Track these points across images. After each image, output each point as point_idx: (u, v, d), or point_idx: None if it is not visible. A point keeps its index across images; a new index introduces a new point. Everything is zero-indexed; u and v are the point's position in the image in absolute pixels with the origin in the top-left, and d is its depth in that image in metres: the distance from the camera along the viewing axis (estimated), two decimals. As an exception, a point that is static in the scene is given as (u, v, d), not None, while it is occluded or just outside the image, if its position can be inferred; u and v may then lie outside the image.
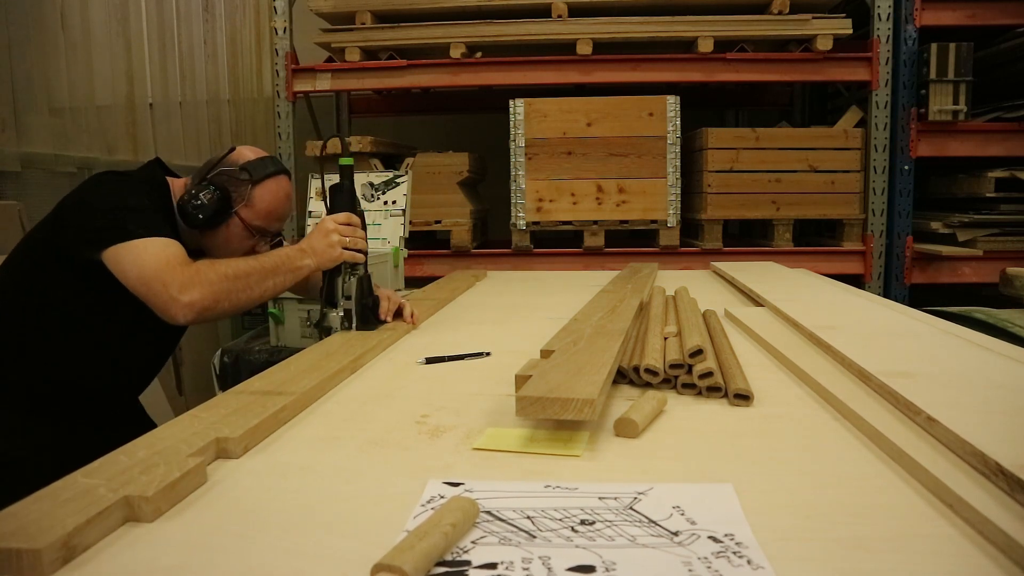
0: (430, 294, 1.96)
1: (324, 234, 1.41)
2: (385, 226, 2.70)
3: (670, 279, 2.24)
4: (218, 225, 1.42)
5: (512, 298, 2.01)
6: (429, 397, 1.03)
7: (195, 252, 1.38)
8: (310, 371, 1.09)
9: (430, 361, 1.19)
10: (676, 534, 0.60)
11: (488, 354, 1.15)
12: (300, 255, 1.39)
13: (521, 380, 0.96)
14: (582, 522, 0.62)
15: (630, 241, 3.29)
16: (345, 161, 1.46)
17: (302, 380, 1.04)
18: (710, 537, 0.59)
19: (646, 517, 0.63)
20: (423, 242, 3.12)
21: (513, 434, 0.86)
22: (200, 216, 1.38)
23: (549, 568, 0.55)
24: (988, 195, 2.95)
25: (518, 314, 1.73)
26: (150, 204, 1.36)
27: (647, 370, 1.03)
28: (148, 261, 1.25)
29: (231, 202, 1.42)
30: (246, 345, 2.35)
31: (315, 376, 1.06)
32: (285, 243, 1.54)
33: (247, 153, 1.48)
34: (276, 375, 1.08)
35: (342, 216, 1.43)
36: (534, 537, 0.60)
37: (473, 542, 0.59)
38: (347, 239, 1.41)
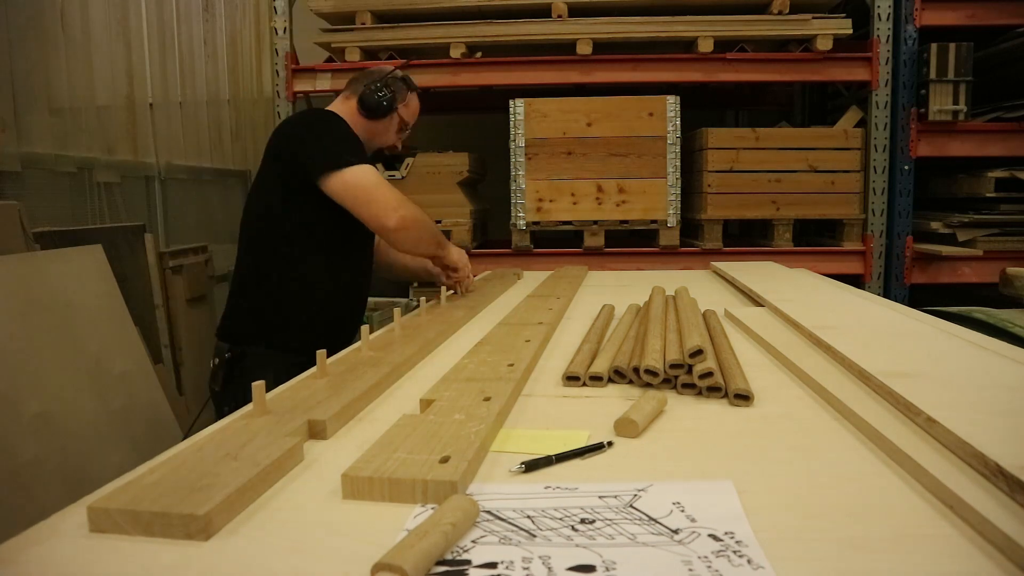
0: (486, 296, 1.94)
1: (463, 256, 1.91)
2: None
3: (670, 279, 2.24)
4: (385, 116, 1.83)
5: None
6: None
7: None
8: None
9: (531, 467, 0.76)
10: (676, 532, 0.60)
11: (610, 444, 0.81)
12: (449, 250, 1.86)
13: (424, 403, 0.94)
14: (582, 521, 0.62)
15: (630, 241, 3.29)
16: None
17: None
18: (710, 535, 0.59)
19: (646, 515, 0.63)
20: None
21: (520, 435, 0.86)
22: (381, 108, 1.80)
23: (549, 567, 0.55)
24: (988, 195, 2.95)
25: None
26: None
27: (647, 371, 1.03)
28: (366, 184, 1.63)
29: (396, 101, 1.83)
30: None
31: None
32: None
33: (388, 65, 1.96)
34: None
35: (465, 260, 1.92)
36: (534, 536, 0.60)
37: (473, 541, 0.59)
38: (465, 276, 1.93)
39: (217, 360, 1.70)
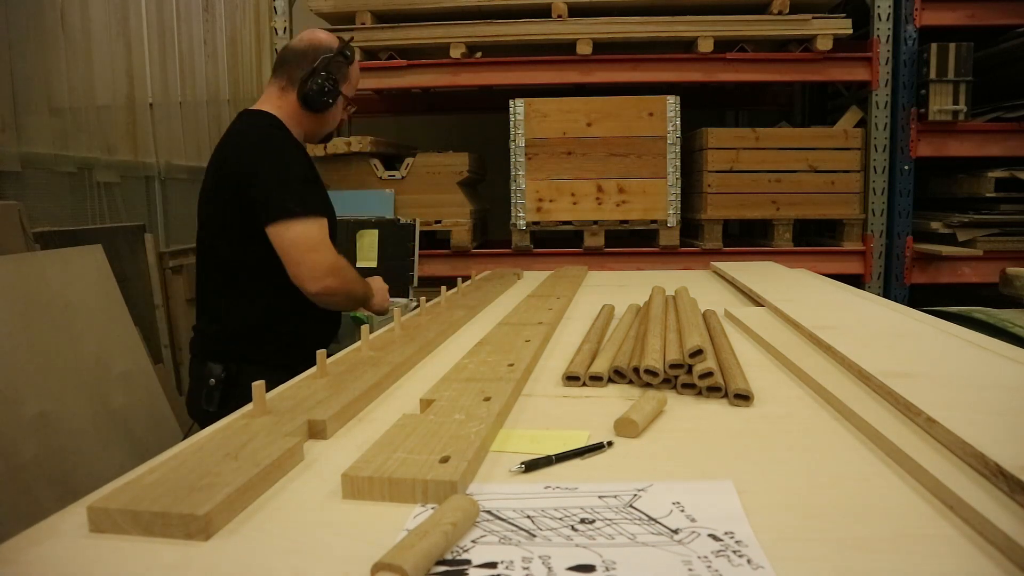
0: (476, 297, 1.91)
1: (383, 291, 1.86)
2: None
3: (670, 279, 2.24)
4: (331, 107, 1.72)
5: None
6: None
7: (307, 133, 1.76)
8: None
9: (530, 467, 0.76)
10: (676, 532, 0.60)
11: (610, 444, 0.82)
12: (373, 302, 1.80)
13: (425, 403, 0.94)
14: (582, 521, 0.62)
15: (630, 241, 3.29)
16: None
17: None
18: (710, 535, 0.59)
19: (646, 514, 0.63)
20: (423, 242, 3.13)
21: (520, 435, 0.86)
22: (326, 101, 1.68)
23: (549, 567, 0.55)
24: (988, 195, 2.95)
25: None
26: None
27: (647, 371, 1.03)
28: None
29: (339, 84, 1.71)
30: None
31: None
32: None
33: (322, 36, 1.73)
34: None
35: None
36: (534, 536, 0.60)
37: (473, 541, 0.59)
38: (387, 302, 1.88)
39: (213, 382, 1.63)
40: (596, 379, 1.08)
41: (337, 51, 1.70)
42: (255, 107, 1.74)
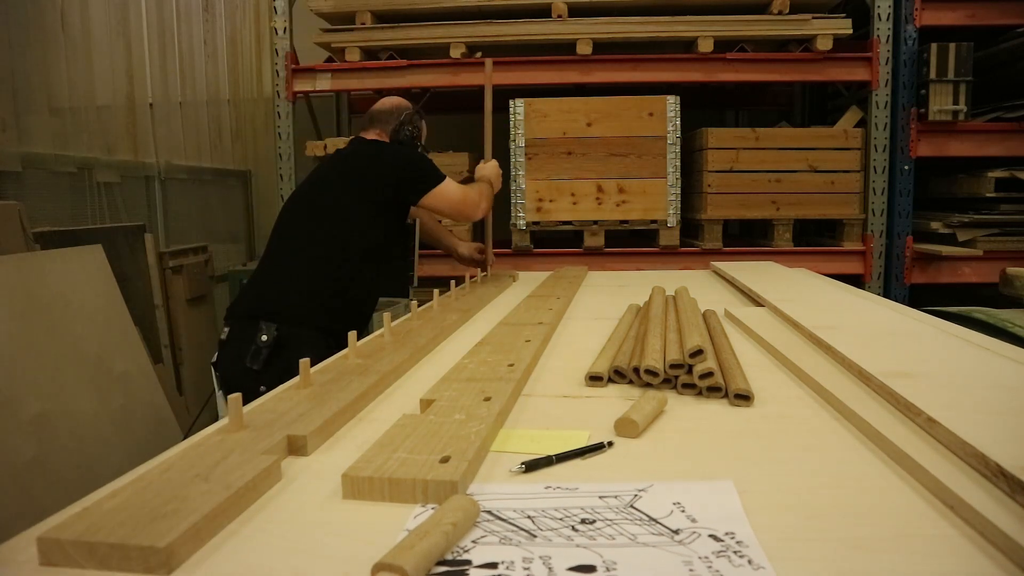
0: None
1: (495, 168, 2.38)
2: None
3: (670, 279, 2.24)
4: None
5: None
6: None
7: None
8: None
9: (531, 467, 0.76)
10: (676, 532, 0.60)
11: (610, 444, 0.82)
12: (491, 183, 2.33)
13: (425, 403, 0.94)
14: (582, 521, 0.62)
15: (630, 241, 3.29)
16: None
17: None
18: (711, 536, 0.59)
19: (646, 515, 0.63)
20: (424, 242, 3.13)
21: (520, 435, 0.86)
22: (413, 145, 2.15)
23: (550, 568, 0.55)
24: (988, 195, 2.95)
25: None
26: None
27: (647, 371, 1.03)
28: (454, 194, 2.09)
29: (421, 135, 2.20)
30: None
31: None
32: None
33: (400, 100, 2.22)
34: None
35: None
36: (535, 536, 0.60)
37: (474, 541, 0.59)
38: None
39: (265, 338, 1.78)
40: (596, 379, 1.08)
41: (415, 110, 2.18)
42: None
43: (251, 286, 1.98)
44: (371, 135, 2.16)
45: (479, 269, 2.42)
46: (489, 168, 2.37)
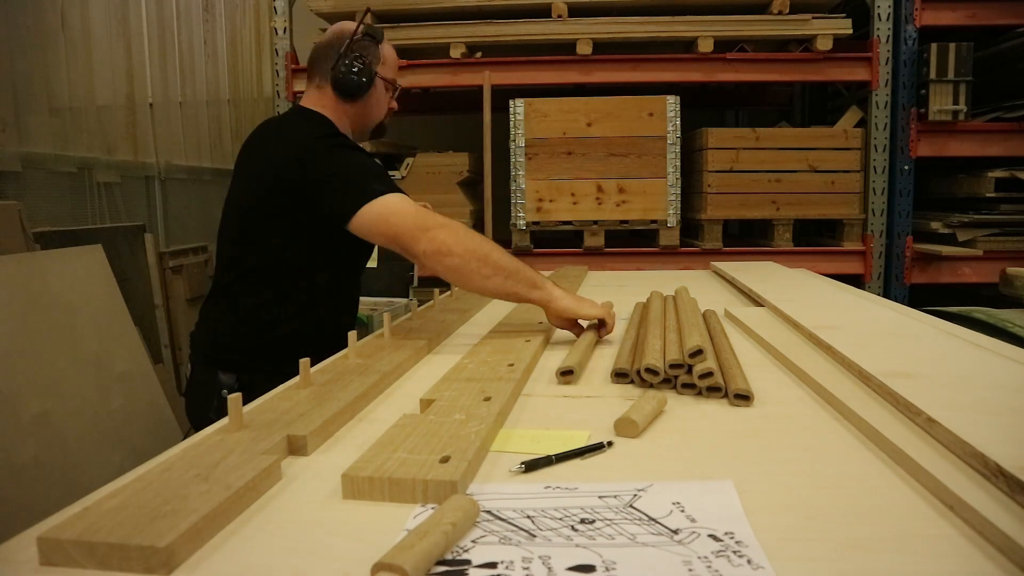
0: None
1: (595, 305, 1.36)
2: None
3: (670, 279, 2.24)
4: (368, 90, 1.57)
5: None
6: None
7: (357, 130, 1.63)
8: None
9: (530, 467, 0.75)
10: (676, 532, 0.60)
11: (610, 444, 0.81)
12: (544, 290, 1.35)
13: (425, 403, 0.93)
14: (582, 521, 0.62)
15: (630, 241, 3.29)
16: None
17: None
18: (710, 535, 0.59)
19: (646, 515, 0.63)
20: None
21: (520, 435, 0.86)
22: (361, 84, 1.54)
23: (549, 567, 0.55)
24: (988, 195, 2.95)
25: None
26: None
27: (647, 370, 1.03)
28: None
29: (372, 65, 1.57)
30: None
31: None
32: None
33: (345, 24, 1.63)
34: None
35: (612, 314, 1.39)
36: (534, 536, 0.60)
37: (473, 541, 0.59)
38: (609, 324, 1.36)
39: (226, 392, 1.44)
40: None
41: (364, 33, 1.56)
42: (303, 104, 1.63)
43: (202, 320, 1.62)
44: (311, 93, 1.60)
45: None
46: (592, 303, 1.39)
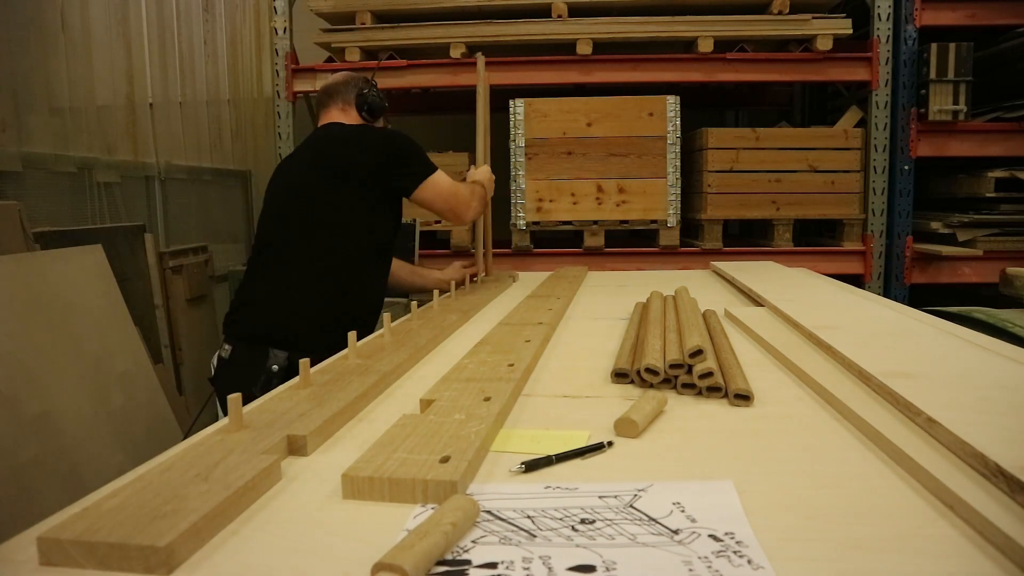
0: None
1: (487, 172, 2.20)
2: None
3: (670, 279, 2.24)
4: (384, 113, 2.02)
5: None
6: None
7: None
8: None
9: (531, 467, 0.76)
10: (676, 532, 0.60)
11: (610, 444, 0.82)
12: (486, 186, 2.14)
13: (425, 403, 0.93)
14: (582, 521, 0.62)
15: (630, 241, 3.29)
16: None
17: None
18: (710, 535, 0.59)
19: (646, 515, 0.63)
20: (424, 242, 3.13)
21: (520, 435, 0.86)
22: (383, 106, 1.99)
23: (549, 568, 0.55)
24: (988, 195, 2.95)
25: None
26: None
27: (647, 370, 1.03)
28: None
29: (384, 101, 2.01)
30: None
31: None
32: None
33: (348, 72, 2.08)
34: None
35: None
36: (534, 536, 0.60)
37: (473, 541, 0.59)
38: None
39: (276, 367, 1.69)
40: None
41: (371, 78, 2.04)
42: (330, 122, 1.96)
43: (252, 305, 1.80)
44: (335, 114, 1.96)
45: (471, 279, 2.20)
46: (481, 173, 2.20)
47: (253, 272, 1.86)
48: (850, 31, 2.99)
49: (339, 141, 1.86)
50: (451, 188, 1.91)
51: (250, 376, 1.69)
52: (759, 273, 2.17)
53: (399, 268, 2.14)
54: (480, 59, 2.36)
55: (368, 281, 1.86)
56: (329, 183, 1.81)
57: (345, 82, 1.98)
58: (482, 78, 2.37)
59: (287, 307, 1.76)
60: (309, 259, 1.78)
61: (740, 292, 1.96)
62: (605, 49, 3.10)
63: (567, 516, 0.64)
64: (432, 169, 1.87)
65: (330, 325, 1.70)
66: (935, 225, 3.10)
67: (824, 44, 2.98)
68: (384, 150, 1.83)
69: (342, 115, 1.94)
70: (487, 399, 0.93)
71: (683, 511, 0.64)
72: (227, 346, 1.78)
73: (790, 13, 2.98)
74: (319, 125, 1.98)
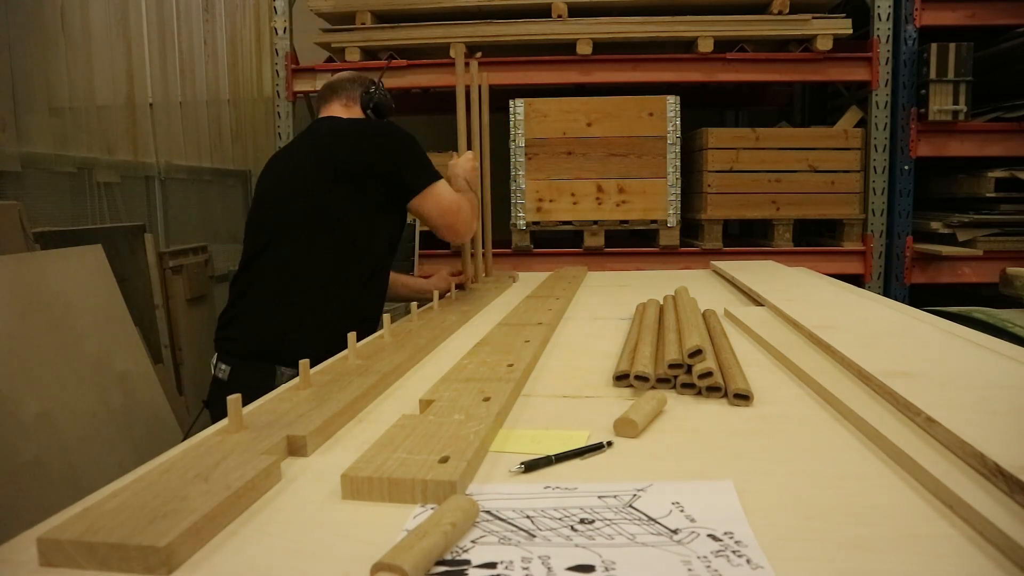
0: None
1: (468, 161, 2.01)
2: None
3: (670, 279, 2.24)
4: (391, 112, 1.94)
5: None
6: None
7: None
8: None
9: (530, 467, 0.76)
10: (675, 532, 0.60)
11: (610, 444, 0.82)
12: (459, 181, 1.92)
13: (424, 403, 0.93)
14: (581, 521, 0.62)
15: (630, 241, 3.29)
16: None
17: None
18: (709, 535, 0.59)
19: (645, 515, 0.63)
20: (424, 242, 3.13)
21: (520, 435, 0.86)
22: (391, 106, 1.93)
23: (549, 567, 0.55)
24: (988, 195, 2.95)
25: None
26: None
27: (637, 377, 1.03)
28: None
29: (391, 104, 1.94)
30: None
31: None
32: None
33: (356, 71, 2.02)
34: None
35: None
36: (533, 536, 0.60)
37: (473, 541, 0.59)
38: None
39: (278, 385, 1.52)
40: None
41: (378, 80, 1.96)
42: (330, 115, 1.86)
43: (249, 318, 1.66)
44: (336, 108, 1.84)
45: (456, 288, 2.04)
46: (462, 163, 1.97)
47: (247, 281, 1.70)
48: (850, 31, 2.99)
49: (338, 133, 1.73)
50: (453, 202, 1.75)
51: (255, 396, 1.54)
52: (759, 273, 2.17)
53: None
54: (459, 48, 2.27)
55: (377, 287, 1.77)
56: (328, 179, 1.67)
57: (352, 79, 1.90)
58: (475, 77, 2.35)
59: (292, 321, 1.61)
60: (312, 265, 1.65)
61: (740, 292, 1.96)
62: (605, 49, 3.10)
63: (566, 516, 0.64)
64: (436, 176, 1.74)
65: (339, 337, 1.54)
66: (935, 225, 3.10)
67: (824, 44, 2.98)
68: (387, 144, 1.71)
69: (344, 111, 1.85)
70: (487, 399, 0.93)
71: (682, 511, 0.64)
72: (224, 366, 1.63)
73: (790, 13, 2.98)
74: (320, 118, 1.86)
